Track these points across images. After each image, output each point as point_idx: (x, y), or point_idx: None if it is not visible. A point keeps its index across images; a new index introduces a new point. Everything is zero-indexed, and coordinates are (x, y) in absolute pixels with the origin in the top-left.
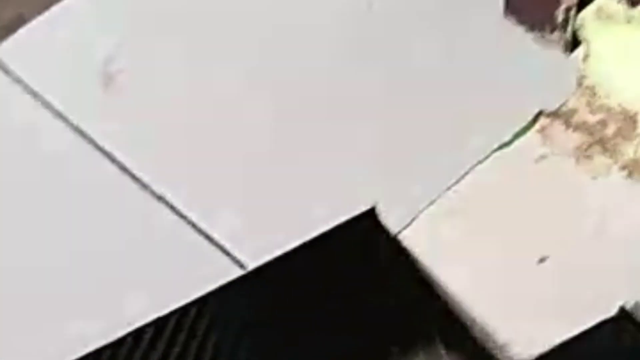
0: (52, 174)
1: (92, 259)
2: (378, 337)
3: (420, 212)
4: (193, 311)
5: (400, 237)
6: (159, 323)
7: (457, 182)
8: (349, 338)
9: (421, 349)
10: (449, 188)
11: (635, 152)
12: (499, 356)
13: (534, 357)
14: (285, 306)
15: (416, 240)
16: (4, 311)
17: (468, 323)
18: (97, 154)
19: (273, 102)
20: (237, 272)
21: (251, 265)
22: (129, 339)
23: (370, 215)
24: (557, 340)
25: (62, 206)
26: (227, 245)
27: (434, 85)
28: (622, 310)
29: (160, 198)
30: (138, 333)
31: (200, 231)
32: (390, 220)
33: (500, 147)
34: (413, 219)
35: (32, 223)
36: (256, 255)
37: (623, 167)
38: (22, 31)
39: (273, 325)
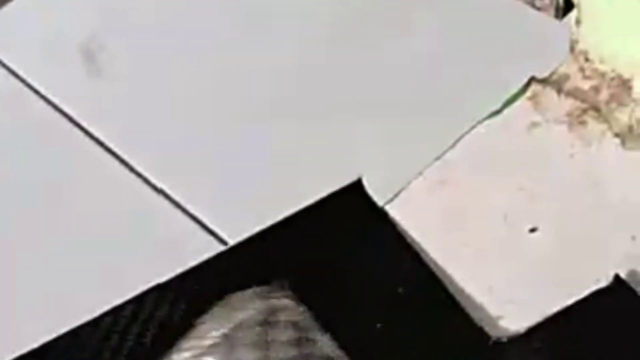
0: (33, 152)
1: (72, 236)
2: (364, 313)
3: (409, 183)
4: (173, 287)
5: (388, 208)
6: (141, 298)
7: (447, 150)
8: (334, 315)
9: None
10: (438, 157)
11: (630, 117)
12: (488, 330)
13: (524, 329)
14: (268, 282)
15: (404, 212)
16: None
17: (458, 296)
18: (78, 131)
19: (260, 77)
20: (217, 248)
21: (232, 241)
22: (110, 315)
23: (356, 188)
24: (549, 311)
25: (44, 183)
26: (208, 222)
27: (423, 53)
28: (617, 279)
29: (140, 175)
30: (118, 309)
31: (180, 208)
32: (378, 192)
33: (491, 115)
34: (400, 190)
35: (11, 200)
36: (237, 231)
37: (617, 134)
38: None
39: None
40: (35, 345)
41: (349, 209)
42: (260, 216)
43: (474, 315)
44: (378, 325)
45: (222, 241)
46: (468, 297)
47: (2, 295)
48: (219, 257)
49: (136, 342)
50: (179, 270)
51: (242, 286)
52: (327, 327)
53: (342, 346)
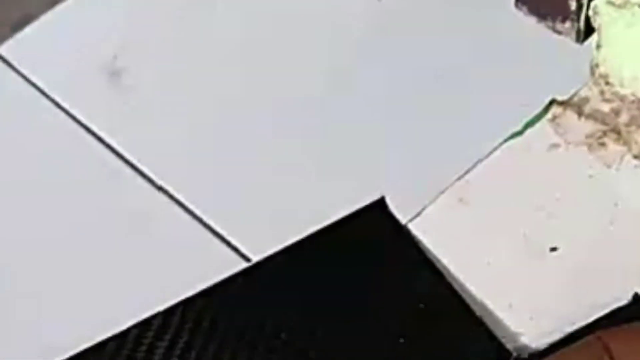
0: (58, 170)
1: (97, 252)
2: (387, 329)
3: (431, 201)
4: (199, 303)
5: (410, 226)
6: (166, 315)
7: (469, 171)
8: (357, 329)
9: (430, 335)
10: (460, 177)
11: None
12: (509, 346)
13: (545, 345)
14: (292, 300)
15: (426, 230)
16: None
17: (479, 312)
18: (102, 148)
19: (281, 97)
20: (241, 265)
21: (255, 257)
22: (135, 330)
23: (379, 206)
24: (570, 329)
25: (67, 201)
26: (231, 238)
27: (445, 76)
28: (636, 297)
29: (164, 191)
30: (144, 324)
31: (204, 224)
32: (400, 210)
33: (513, 136)
34: (423, 209)
35: (40, 220)
36: (260, 247)
37: (636, 155)
38: (27, 29)
39: (279, 319)
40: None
41: (372, 226)
42: (283, 233)
43: (496, 331)
44: (401, 340)
45: (245, 257)
46: (489, 314)
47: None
48: (242, 273)
49: (163, 356)
50: (202, 285)
51: (264, 303)
52: (350, 342)
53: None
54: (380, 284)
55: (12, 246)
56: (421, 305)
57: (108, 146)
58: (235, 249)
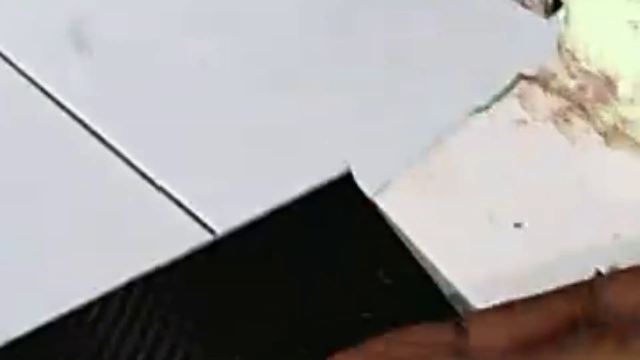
0: (22, 139)
1: (62, 222)
2: (351, 303)
3: (397, 176)
4: (161, 277)
5: (377, 200)
6: (128, 287)
7: (434, 145)
8: (322, 305)
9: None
10: (425, 151)
11: (614, 116)
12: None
13: None
14: (257, 275)
15: (392, 204)
16: None
17: (442, 287)
18: (67, 118)
19: (251, 70)
20: (206, 238)
21: (219, 230)
22: (95, 307)
23: (346, 180)
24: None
25: (32, 170)
26: (197, 211)
27: (412, 49)
28: (598, 274)
29: (130, 164)
30: (108, 296)
31: (169, 196)
32: (367, 185)
33: (478, 111)
34: (389, 183)
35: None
36: (226, 220)
37: (601, 132)
38: None
39: (243, 296)
40: (21, 332)
41: (339, 200)
42: (248, 207)
43: (458, 307)
44: (365, 314)
45: (211, 230)
46: (452, 290)
47: None
48: (208, 247)
49: (124, 331)
50: (167, 259)
51: (228, 278)
52: (316, 315)
53: (329, 333)
54: (346, 258)
55: None
56: (387, 281)
57: (73, 115)
58: (199, 221)
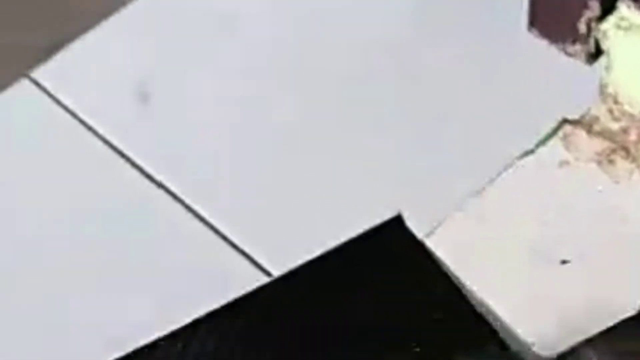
0: (92, 193)
1: (124, 265)
2: (404, 339)
3: (446, 217)
4: (224, 317)
5: (427, 241)
6: (186, 329)
7: (483, 188)
8: (375, 342)
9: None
10: (475, 193)
11: None
12: (524, 356)
13: (555, 356)
14: (311, 316)
15: (442, 245)
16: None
17: (493, 324)
18: (132, 169)
19: (297, 111)
20: (263, 279)
21: (276, 272)
22: (163, 342)
23: (397, 222)
24: (580, 339)
25: (101, 221)
26: (250, 251)
27: (460, 96)
28: None
29: (190, 210)
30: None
31: (225, 239)
32: (417, 226)
33: (525, 155)
34: (439, 224)
35: (73, 239)
36: (281, 262)
37: None
38: (60, 54)
39: (297, 336)
40: None
41: (390, 242)
42: (303, 248)
43: (510, 342)
44: (417, 349)
45: (264, 271)
46: (504, 325)
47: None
48: (263, 288)
49: None
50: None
51: (285, 318)
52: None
53: None
54: (397, 296)
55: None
56: (436, 316)
57: (137, 167)
58: (254, 262)
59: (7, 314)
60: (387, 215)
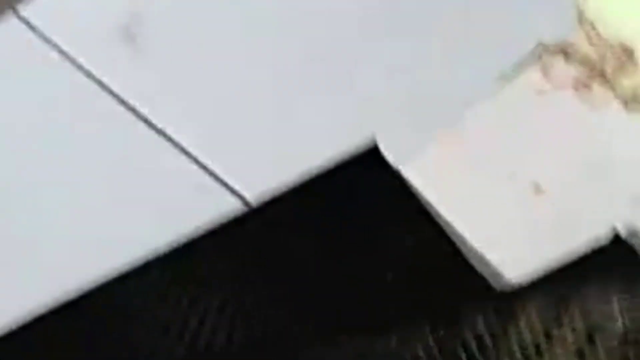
0: (79, 127)
1: (104, 194)
2: (376, 269)
3: (422, 144)
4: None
5: (402, 170)
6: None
7: (461, 115)
8: (349, 271)
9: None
10: (450, 121)
11: (633, 83)
12: (492, 282)
13: (525, 282)
14: (286, 246)
15: (417, 173)
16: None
17: (465, 252)
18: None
19: (279, 44)
20: (241, 210)
21: (255, 202)
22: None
23: (372, 152)
24: (550, 266)
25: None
26: (232, 183)
27: (435, 17)
28: (617, 238)
29: (170, 139)
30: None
31: (206, 169)
32: (392, 155)
33: (500, 80)
34: (414, 152)
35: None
36: (259, 193)
37: (621, 98)
38: None
39: (275, 267)
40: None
41: (365, 172)
42: (277, 176)
43: (479, 268)
44: (389, 275)
45: (243, 200)
46: (474, 252)
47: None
48: (241, 217)
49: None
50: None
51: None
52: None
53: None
54: (372, 227)
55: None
56: (409, 244)
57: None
58: (233, 191)
59: None
60: (364, 143)
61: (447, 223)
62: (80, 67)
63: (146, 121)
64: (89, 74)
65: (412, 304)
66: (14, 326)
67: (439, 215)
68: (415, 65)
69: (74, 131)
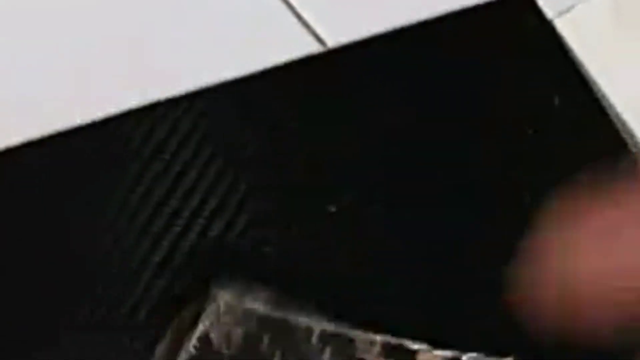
0: None
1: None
2: (517, 117)
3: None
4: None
5: (557, 22)
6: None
7: None
8: (481, 123)
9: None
10: None
11: None
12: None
13: None
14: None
15: (573, 27)
16: None
17: (613, 119)
18: None
19: None
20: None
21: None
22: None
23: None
24: None
25: None
26: (309, 19)
27: None
28: None
29: None
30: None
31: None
32: (548, 4)
33: None
34: (572, 6)
35: None
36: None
37: None
38: None
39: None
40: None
41: (513, 17)
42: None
43: (627, 138)
44: (530, 131)
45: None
46: (616, 114)
47: None
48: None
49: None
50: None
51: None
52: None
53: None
54: (511, 76)
55: None
56: (555, 101)
57: None
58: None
59: None
60: None
61: (595, 82)
62: None
63: None
64: None
65: (549, 157)
66: None
67: (588, 73)
68: None
69: None
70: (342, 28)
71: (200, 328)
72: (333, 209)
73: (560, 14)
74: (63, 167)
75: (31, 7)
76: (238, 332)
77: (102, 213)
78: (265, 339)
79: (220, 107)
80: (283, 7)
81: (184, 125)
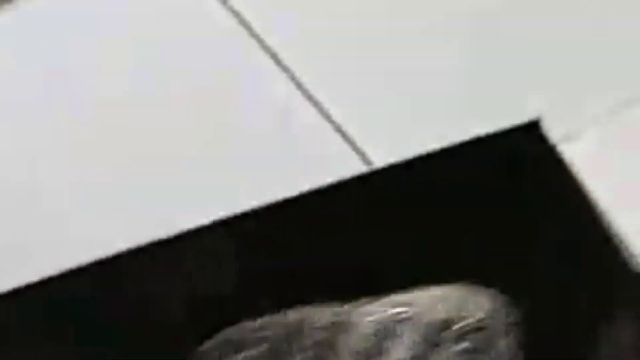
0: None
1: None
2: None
3: (586, 127)
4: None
5: (562, 148)
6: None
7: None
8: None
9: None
10: (619, 107)
11: None
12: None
13: None
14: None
15: (579, 156)
16: None
17: (623, 250)
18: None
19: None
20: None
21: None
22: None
23: (532, 126)
24: None
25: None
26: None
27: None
28: None
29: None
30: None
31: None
32: (554, 133)
33: None
34: (578, 131)
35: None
36: (387, 153)
37: None
38: None
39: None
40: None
41: (521, 145)
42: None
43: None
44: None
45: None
46: (627, 245)
47: None
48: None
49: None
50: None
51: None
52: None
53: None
54: (522, 205)
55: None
56: (564, 235)
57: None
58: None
59: None
60: (521, 118)
61: (608, 218)
62: None
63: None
64: None
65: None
66: None
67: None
68: (591, 45)
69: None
70: None
71: None
72: None
73: (565, 140)
74: None
75: None
76: None
77: None
78: None
79: None
80: None
81: None
